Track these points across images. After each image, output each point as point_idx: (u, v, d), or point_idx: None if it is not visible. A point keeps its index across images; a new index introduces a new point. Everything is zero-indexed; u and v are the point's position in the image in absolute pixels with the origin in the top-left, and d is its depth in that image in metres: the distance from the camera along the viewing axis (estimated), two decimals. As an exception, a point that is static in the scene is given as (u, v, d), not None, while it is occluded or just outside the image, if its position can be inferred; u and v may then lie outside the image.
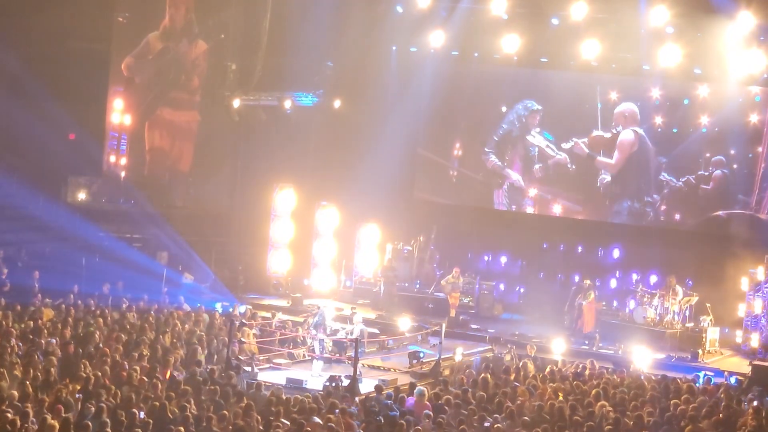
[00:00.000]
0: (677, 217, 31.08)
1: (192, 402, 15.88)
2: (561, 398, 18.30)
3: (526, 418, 16.55)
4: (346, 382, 19.96)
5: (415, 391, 17.87)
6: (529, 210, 32.55)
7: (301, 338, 23.94)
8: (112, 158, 32.24)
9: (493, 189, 32.59)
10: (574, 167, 31.57)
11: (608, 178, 31.43)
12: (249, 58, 31.81)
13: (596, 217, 31.94)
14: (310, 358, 22.77)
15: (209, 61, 32.71)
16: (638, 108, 30.88)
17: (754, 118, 29.77)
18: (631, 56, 29.73)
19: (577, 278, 30.74)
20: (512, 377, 20.41)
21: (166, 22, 32.39)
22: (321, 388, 19.55)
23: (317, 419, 15.49)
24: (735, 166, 30.15)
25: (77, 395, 15.70)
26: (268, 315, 26.27)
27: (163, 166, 33.17)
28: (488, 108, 32.47)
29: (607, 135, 31.17)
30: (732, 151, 30.09)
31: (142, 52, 32.35)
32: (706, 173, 30.49)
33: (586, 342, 26.60)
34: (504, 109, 32.28)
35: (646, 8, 28.21)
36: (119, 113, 32.16)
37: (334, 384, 19.51)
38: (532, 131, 32.01)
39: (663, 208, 31.04)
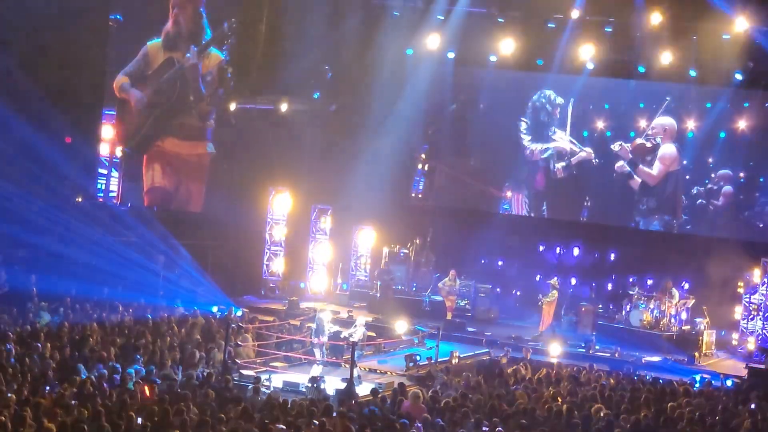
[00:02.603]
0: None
1: (189, 406, 15.85)
2: (554, 398, 18.33)
3: (523, 421, 16.54)
4: (332, 383, 20.02)
5: (410, 394, 17.87)
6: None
7: (298, 343, 23.91)
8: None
9: (512, 196, 32.66)
10: (597, 161, 31.59)
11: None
12: (245, 61, 31.77)
13: (622, 223, 31.91)
14: (307, 361, 22.75)
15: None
16: (676, 122, 30.93)
17: (742, 124, 29.99)
18: (627, 59, 29.80)
19: (573, 281, 30.83)
20: (510, 381, 20.41)
21: (169, 27, 29.48)
22: (304, 390, 19.62)
23: (315, 422, 15.49)
24: (741, 174, 30.42)
25: (73, 401, 15.65)
26: (268, 319, 26.24)
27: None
28: (490, 112, 32.55)
29: (648, 144, 31.22)
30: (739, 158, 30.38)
31: (138, 66, 29.16)
32: (715, 187, 30.60)
33: (583, 345, 26.64)
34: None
35: (641, 11, 28.29)
36: (108, 144, 29.10)
37: (315, 385, 19.51)
38: (553, 127, 31.96)
39: (688, 227, 31.17)
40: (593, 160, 31.76)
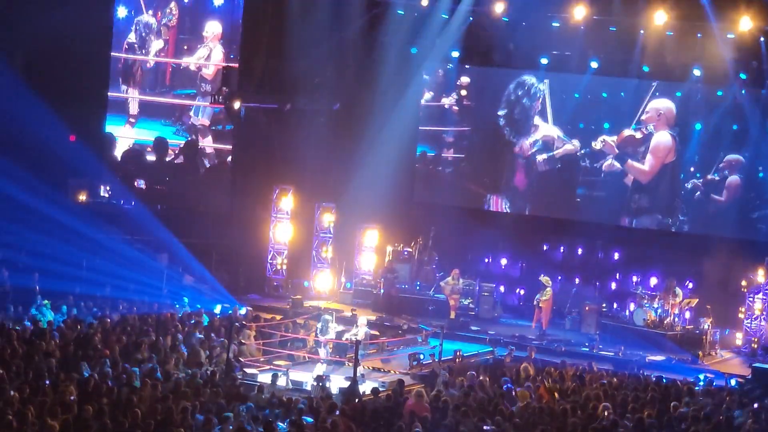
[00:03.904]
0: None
1: (194, 404, 15.85)
2: (557, 397, 18.30)
3: (526, 420, 16.54)
4: (336, 381, 20.03)
5: (413, 392, 17.86)
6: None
7: (301, 342, 23.91)
8: None
9: (492, 194, 32.52)
10: (583, 151, 31.05)
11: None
12: (249, 60, 31.77)
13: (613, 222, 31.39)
14: (310, 360, 22.75)
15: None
16: (676, 106, 29.68)
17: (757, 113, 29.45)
18: (631, 58, 29.76)
19: (577, 280, 30.78)
20: (512, 379, 20.40)
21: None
22: (309, 389, 19.61)
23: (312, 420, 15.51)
24: (760, 168, 29.42)
25: (72, 397, 15.65)
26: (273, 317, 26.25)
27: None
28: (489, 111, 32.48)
29: (638, 135, 30.15)
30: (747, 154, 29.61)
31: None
32: (718, 177, 29.94)
33: (587, 344, 26.63)
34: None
35: (645, 10, 28.30)
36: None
37: (321, 384, 19.51)
38: (536, 118, 31.74)
39: (686, 228, 30.49)
40: (578, 153, 31.14)
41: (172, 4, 31.99)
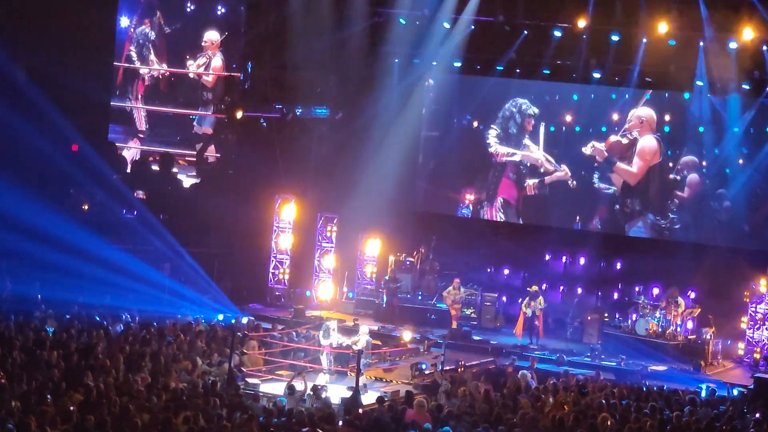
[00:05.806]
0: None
1: (194, 413, 15.83)
2: (566, 409, 18.28)
3: (528, 430, 16.51)
4: (338, 391, 20.00)
5: (414, 402, 17.84)
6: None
7: (303, 351, 23.88)
8: None
9: (486, 207, 32.48)
10: (575, 183, 31.36)
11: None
12: (252, 69, 31.82)
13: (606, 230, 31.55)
14: (312, 369, 22.73)
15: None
16: (656, 114, 30.34)
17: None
18: (634, 68, 29.79)
19: (579, 290, 30.74)
20: (514, 389, 20.38)
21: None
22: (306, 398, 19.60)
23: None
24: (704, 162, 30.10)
25: (72, 407, 15.62)
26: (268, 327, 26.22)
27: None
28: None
29: (625, 141, 30.58)
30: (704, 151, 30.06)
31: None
32: (678, 177, 30.33)
33: (588, 354, 26.61)
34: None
35: (647, 20, 28.35)
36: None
37: (316, 394, 19.48)
38: (526, 138, 31.78)
39: (678, 226, 30.68)
40: (570, 182, 31.36)
41: (158, 15, 32.16)
